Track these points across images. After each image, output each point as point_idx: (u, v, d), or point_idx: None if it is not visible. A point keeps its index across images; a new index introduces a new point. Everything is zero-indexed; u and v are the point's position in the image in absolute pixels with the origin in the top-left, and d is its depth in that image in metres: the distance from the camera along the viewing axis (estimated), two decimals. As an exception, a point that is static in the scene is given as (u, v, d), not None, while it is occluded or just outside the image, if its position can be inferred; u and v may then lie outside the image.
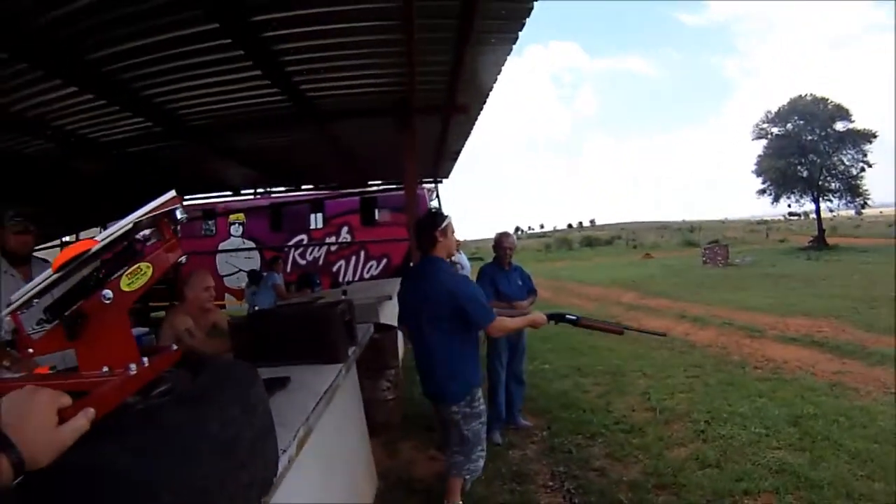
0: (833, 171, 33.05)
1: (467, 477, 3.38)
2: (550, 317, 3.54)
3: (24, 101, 4.39)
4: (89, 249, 1.03)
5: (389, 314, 7.54)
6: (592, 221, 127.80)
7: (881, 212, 72.29)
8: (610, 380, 6.41)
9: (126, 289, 1.07)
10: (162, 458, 0.88)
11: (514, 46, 4.26)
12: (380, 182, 11.36)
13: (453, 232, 3.34)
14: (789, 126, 33.78)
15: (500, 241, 4.81)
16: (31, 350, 1.01)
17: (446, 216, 3.35)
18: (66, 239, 9.98)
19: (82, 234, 9.27)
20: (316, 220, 13.57)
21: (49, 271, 1.03)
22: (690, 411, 5.12)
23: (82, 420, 0.79)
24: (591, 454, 4.38)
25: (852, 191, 33.01)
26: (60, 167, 6.22)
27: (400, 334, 6.57)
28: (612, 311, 12.19)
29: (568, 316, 3.62)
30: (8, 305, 1.02)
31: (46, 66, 3.79)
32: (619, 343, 8.63)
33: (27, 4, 2.99)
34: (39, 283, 1.02)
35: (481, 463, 3.41)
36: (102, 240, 1.06)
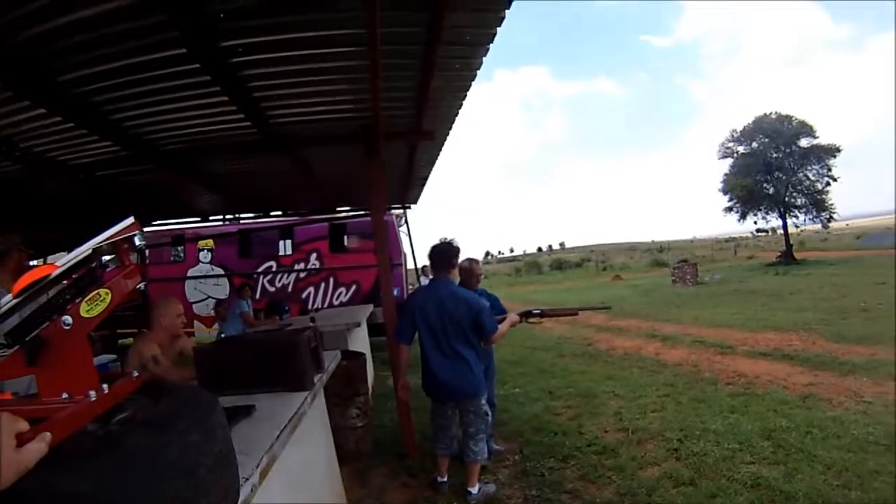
0: (799, 187, 33.60)
1: (479, 458, 4.13)
2: (521, 314, 4.63)
3: None
4: (49, 275, 1.04)
5: (359, 341, 7.51)
6: (562, 244, 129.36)
7: (847, 224, 74.09)
8: (581, 402, 6.44)
9: (85, 315, 1.07)
10: (121, 484, 0.88)
11: (478, 72, 4.33)
12: (348, 208, 11.34)
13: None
14: (755, 144, 34.38)
15: (472, 268, 4.84)
16: (-9, 375, 1.00)
17: (458, 248, 4.28)
18: (33, 263, 9.76)
19: (49, 258, 9.09)
20: (285, 247, 13.46)
21: (9, 296, 1.03)
22: (663, 430, 5.17)
23: (41, 444, 0.79)
24: (564, 477, 4.39)
25: (818, 205, 33.50)
26: (28, 189, 6.10)
27: (370, 361, 6.54)
28: (583, 333, 12.29)
29: (534, 311, 4.73)
30: None
31: (15, 87, 3.73)
32: (590, 365, 8.74)
33: None
34: (-2, 309, 1.01)
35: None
36: (61, 265, 1.06)
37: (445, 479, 4.29)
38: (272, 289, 13.00)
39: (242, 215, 11.81)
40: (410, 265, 13.46)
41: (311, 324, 4.60)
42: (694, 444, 4.72)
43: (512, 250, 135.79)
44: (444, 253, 4.21)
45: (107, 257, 1.18)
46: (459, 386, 4.02)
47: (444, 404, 4.20)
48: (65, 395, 1.00)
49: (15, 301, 1.03)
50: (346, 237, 13.35)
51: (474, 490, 4.10)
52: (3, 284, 3.12)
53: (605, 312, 14.63)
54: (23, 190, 6.09)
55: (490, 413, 4.29)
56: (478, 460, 4.13)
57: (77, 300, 1.08)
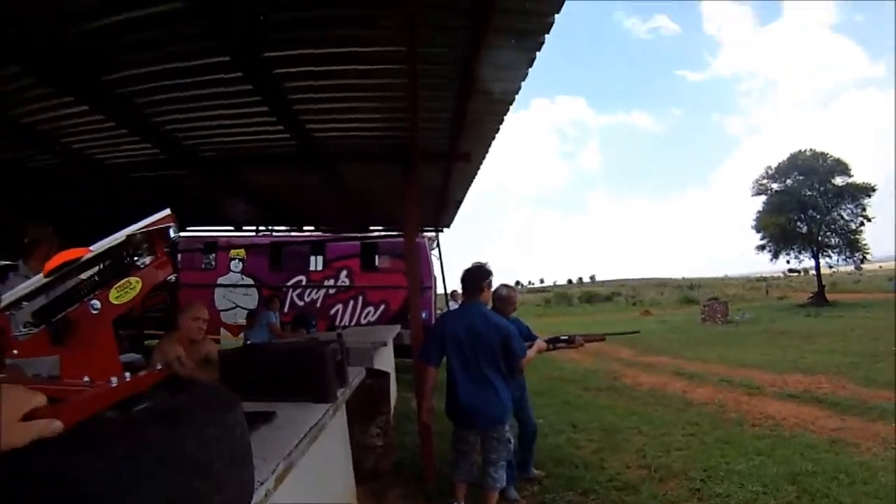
0: (832, 227, 32.95)
1: (498, 485, 4.03)
2: (548, 341, 4.61)
3: (33, 114, 4.43)
4: (80, 257, 1.04)
5: (384, 360, 7.48)
6: (592, 277, 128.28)
7: (881, 266, 72.04)
8: (605, 436, 6.31)
9: (114, 301, 1.07)
10: (133, 472, 0.86)
11: (516, 97, 4.34)
12: (381, 228, 11.40)
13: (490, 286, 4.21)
14: (789, 182, 33.86)
15: (510, 296, 4.77)
16: (15, 352, 1.00)
17: (490, 272, 4.17)
18: None
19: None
20: (316, 262, 13.56)
21: (39, 276, 1.03)
22: (686, 469, 5.02)
23: (45, 426, 0.78)
24: (582, 511, 4.29)
25: (851, 246, 32.83)
26: (64, 183, 6.25)
27: (394, 382, 6.50)
28: (611, 367, 12.11)
29: (561, 337, 4.76)
30: None
31: (59, 83, 3.85)
32: (615, 399, 8.59)
33: (45, 19, 3.04)
34: (28, 287, 1.02)
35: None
36: (95, 249, 1.06)
37: None
38: (301, 303, 13.08)
39: (275, 228, 11.94)
40: (440, 289, 13.43)
41: (338, 339, 4.58)
42: (717, 485, 4.59)
43: (542, 280, 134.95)
44: (475, 276, 4.13)
45: (140, 247, 1.19)
46: (486, 412, 3.94)
47: (468, 430, 4.10)
48: (86, 379, 0.99)
49: (45, 280, 1.03)
50: (377, 257, 13.40)
51: None
52: (33, 271, 3.20)
53: (632, 348, 14.42)
54: (61, 184, 6.24)
55: (512, 440, 4.20)
56: (496, 487, 4.04)
57: (107, 286, 1.08)
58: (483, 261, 4.24)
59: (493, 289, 4.34)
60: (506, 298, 4.75)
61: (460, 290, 4.46)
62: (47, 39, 3.25)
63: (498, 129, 5.10)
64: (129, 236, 1.12)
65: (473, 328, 3.95)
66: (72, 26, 3.14)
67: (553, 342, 4.69)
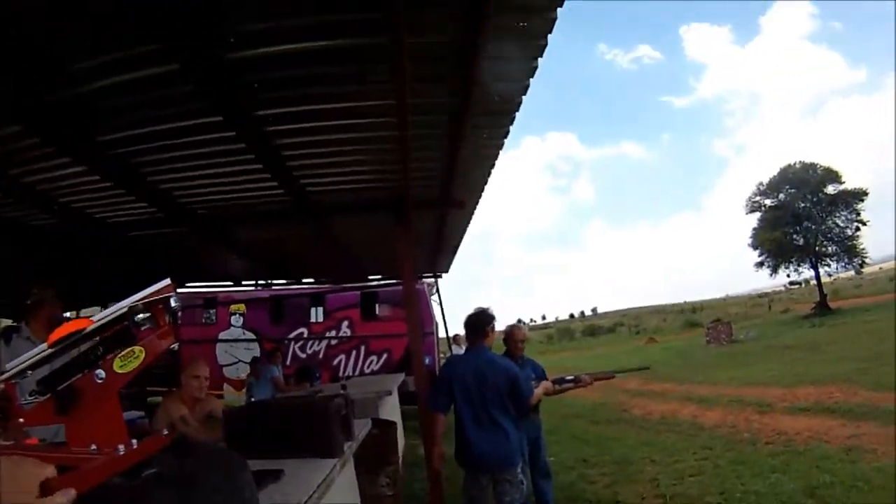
0: (829, 235, 33.24)
1: None
2: (554, 381, 4.66)
3: (34, 174, 4.47)
4: (84, 328, 1.07)
5: (390, 409, 7.42)
6: (594, 310, 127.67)
7: (880, 268, 71.81)
8: (617, 469, 6.24)
9: (118, 370, 1.10)
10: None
11: (505, 140, 4.42)
12: (379, 277, 11.43)
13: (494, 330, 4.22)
14: (781, 196, 34.27)
15: (513, 333, 4.88)
16: (21, 420, 1.02)
17: (493, 316, 4.20)
18: (66, 314, 9.94)
19: (83, 312, 9.27)
20: (316, 314, 13.56)
21: (44, 346, 1.06)
22: (703, 494, 4.97)
23: (62, 499, 0.80)
24: (599, 548, 4.22)
25: (849, 252, 33.04)
26: (63, 244, 6.27)
27: (400, 430, 6.43)
28: (619, 399, 12.02)
29: (566, 377, 4.76)
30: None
31: (58, 143, 3.90)
32: (625, 431, 8.49)
33: (46, 82, 3.11)
34: (34, 356, 1.04)
35: None
36: (97, 321, 1.10)
37: None
38: (303, 355, 13.02)
39: (274, 281, 11.97)
40: (442, 334, 13.40)
41: (342, 391, 4.57)
42: (735, 508, 4.53)
43: (544, 317, 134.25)
44: (478, 321, 4.16)
45: (142, 316, 1.22)
46: (497, 455, 3.91)
47: (480, 474, 4.04)
48: (93, 447, 1.01)
49: (50, 351, 1.06)
50: (377, 305, 13.42)
51: None
52: (36, 334, 3.25)
53: (639, 377, 14.28)
54: (59, 244, 6.26)
55: (525, 481, 4.15)
56: None
57: (111, 355, 1.10)
58: (485, 305, 4.27)
59: (495, 332, 4.32)
60: (510, 335, 4.85)
61: (463, 334, 4.46)
62: (45, 101, 3.32)
63: (490, 173, 5.18)
64: (130, 307, 1.16)
65: (480, 372, 3.94)
66: (66, 89, 3.21)
67: (559, 382, 4.72)
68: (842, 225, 33.22)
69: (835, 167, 33.68)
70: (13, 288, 4.08)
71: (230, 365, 13.12)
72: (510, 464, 3.93)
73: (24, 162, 4.23)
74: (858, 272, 38.31)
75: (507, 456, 3.91)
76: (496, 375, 3.93)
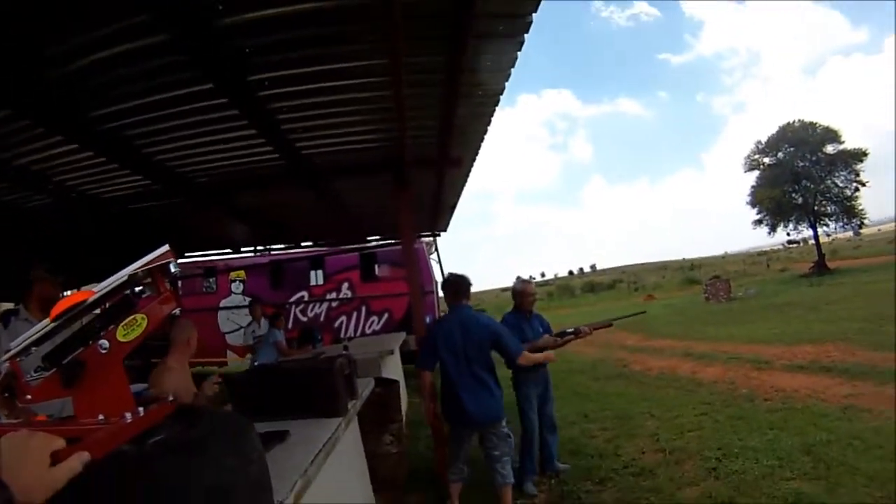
0: (827, 195, 32.86)
1: (508, 480, 4.11)
2: (556, 335, 4.84)
3: (26, 156, 4.45)
4: (86, 300, 1.07)
5: (392, 368, 7.51)
6: (593, 266, 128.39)
7: (879, 229, 71.92)
8: (617, 424, 6.35)
9: (122, 339, 1.10)
10: (155, 504, 0.88)
11: (501, 97, 4.37)
12: (378, 237, 11.42)
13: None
14: (780, 154, 33.85)
15: (525, 289, 4.95)
16: (28, 397, 1.03)
17: (471, 281, 4.42)
18: (67, 292, 9.94)
19: (83, 288, 9.31)
20: (316, 277, 13.61)
21: (46, 321, 1.06)
22: (701, 449, 5.06)
23: (75, 462, 0.81)
24: (602, 500, 4.33)
25: (848, 212, 32.78)
26: (60, 222, 6.28)
27: (403, 388, 6.52)
28: (618, 355, 12.14)
29: (567, 330, 4.91)
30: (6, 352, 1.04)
31: (48, 123, 3.87)
32: (625, 386, 8.61)
33: (31, 63, 3.07)
34: (37, 332, 1.05)
35: None
36: (98, 291, 1.09)
37: None
38: (304, 318, 13.12)
39: (273, 246, 11.97)
40: (441, 293, 13.43)
41: (345, 352, 4.63)
42: (732, 463, 4.62)
43: (543, 275, 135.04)
44: (459, 282, 4.38)
45: (142, 284, 1.22)
46: (482, 410, 4.07)
47: (464, 429, 4.24)
48: (101, 417, 1.02)
49: (52, 325, 1.06)
50: (376, 266, 13.46)
51: None
52: (32, 313, 3.24)
53: (638, 333, 14.44)
54: (56, 222, 6.28)
55: (512, 435, 4.28)
56: (507, 483, 4.12)
57: (114, 325, 1.11)
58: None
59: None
60: (521, 291, 4.93)
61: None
62: (33, 80, 3.27)
63: (486, 130, 5.13)
64: (130, 275, 1.15)
65: (465, 329, 4.12)
66: (54, 67, 3.16)
67: (560, 335, 4.83)
68: (841, 185, 32.84)
69: (834, 127, 33.19)
70: (12, 272, 4.07)
71: (233, 332, 13.23)
72: (495, 418, 4.12)
73: (14, 145, 4.21)
74: (857, 233, 38.18)
75: (492, 411, 4.10)
76: (478, 332, 4.11)
